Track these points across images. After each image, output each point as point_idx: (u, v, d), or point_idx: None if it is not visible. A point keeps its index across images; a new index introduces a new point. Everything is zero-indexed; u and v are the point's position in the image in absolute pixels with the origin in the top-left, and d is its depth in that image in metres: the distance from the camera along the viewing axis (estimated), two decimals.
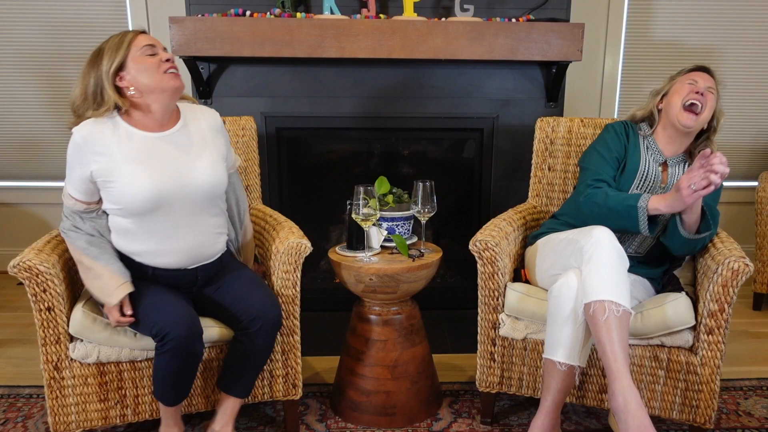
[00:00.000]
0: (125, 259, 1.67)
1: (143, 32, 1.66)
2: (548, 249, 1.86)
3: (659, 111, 1.92)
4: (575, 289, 1.62)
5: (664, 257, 1.91)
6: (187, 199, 1.66)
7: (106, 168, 1.59)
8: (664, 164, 1.90)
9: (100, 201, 1.67)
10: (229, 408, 1.77)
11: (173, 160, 1.65)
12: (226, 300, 1.74)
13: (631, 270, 1.82)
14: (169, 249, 1.67)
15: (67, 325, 1.67)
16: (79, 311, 1.67)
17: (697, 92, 1.80)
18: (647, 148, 1.91)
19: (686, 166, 1.88)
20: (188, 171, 1.66)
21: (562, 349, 1.65)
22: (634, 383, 1.52)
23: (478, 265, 1.86)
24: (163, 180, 1.61)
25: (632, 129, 1.96)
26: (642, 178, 1.87)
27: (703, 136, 1.90)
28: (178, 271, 1.71)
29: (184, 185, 1.64)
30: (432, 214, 1.94)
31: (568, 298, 1.63)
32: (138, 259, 1.67)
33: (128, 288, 1.61)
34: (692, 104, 1.80)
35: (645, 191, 1.84)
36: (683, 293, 1.75)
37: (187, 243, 1.68)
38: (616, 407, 1.49)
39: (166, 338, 1.56)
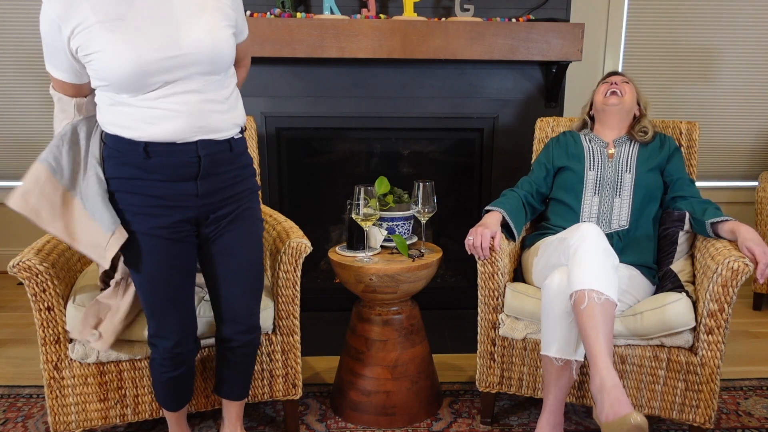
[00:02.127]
0: (113, 145, 1.41)
1: None
2: (542, 250, 1.89)
3: (591, 116, 2.19)
4: (563, 284, 1.64)
5: (650, 228, 1.98)
6: (182, 72, 1.36)
7: (84, 39, 1.31)
8: (610, 145, 2.10)
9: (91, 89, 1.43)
10: (233, 412, 1.74)
11: (161, 19, 1.34)
12: (220, 282, 1.58)
13: (623, 259, 1.87)
14: (165, 113, 1.37)
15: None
16: (72, 308, 1.67)
17: (614, 83, 2.09)
18: (589, 140, 2.12)
19: (632, 145, 2.08)
20: (181, 34, 1.35)
21: (556, 345, 1.66)
22: (615, 369, 1.52)
23: (478, 265, 1.86)
24: (147, 48, 1.31)
25: (572, 136, 2.17)
26: (590, 159, 2.07)
27: (637, 119, 2.13)
28: (176, 147, 1.40)
29: (176, 53, 1.34)
30: (432, 214, 1.94)
31: (557, 294, 1.65)
32: (127, 133, 1.38)
33: (122, 236, 1.42)
34: (612, 92, 2.08)
35: (596, 167, 2.06)
36: (683, 294, 1.75)
37: (187, 106, 1.39)
38: (594, 389, 1.49)
39: (158, 346, 1.55)
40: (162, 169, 1.40)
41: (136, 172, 1.41)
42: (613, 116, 2.08)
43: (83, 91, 1.44)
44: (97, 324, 1.64)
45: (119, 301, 1.67)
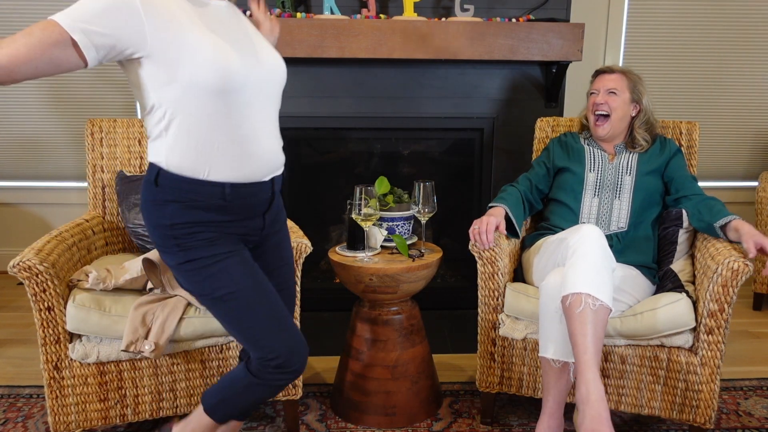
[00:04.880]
0: (186, 188, 1.26)
1: None
2: (542, 250, 1.89)
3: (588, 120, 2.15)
4: (559, 284, 1.63)
5: (649, 230, 1.98)
6: (262, 86, 1.30)
7: (169, 38, 1.17)
8: (610, 150, 2.10)
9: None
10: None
11: (243, 35, 1.32)
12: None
13: (623, 259, 1.87)
14: (250, 149, 1.29)
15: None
16: (72, 306, 1.67)
17: (596, 103, 2.04)
18: (589, 144, 2.12)
19: (630, 155, 2.05)
20: (259, 50, 1.34)
21: (553, 346, 1.65)
22: (608, 378, 1.52)
23: (478, 265, 1.86)
24: (239, 54, 1.25)
25: (572, 137, 2.17)
26: (590, 160, 2.06)
27: (633, 121, 2.08)
28: (255, 187, 1.33)
29: (259, 66, 1.30)
30: (432, 214, 1.94)
31: (553, 295, 1.64)
32: (211, 175, 1.26)
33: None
34: (600, 115, 2.05)
35: (597, 168, 2.05)
36: (683, 294, 1.75)
37: (265, 141, 1.33)
38: (579, 398, 1.49)
39: (286, 369, 1.36)
40: (239, 210, 1.33)
41: (213, 216, 1.30)
42: (603, 138, 2.07)
43: (48, 72, 1.12)
44: (147, 333, 1.66)
45: (168, 306, 1.69)
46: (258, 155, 1.31)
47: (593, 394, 1.47)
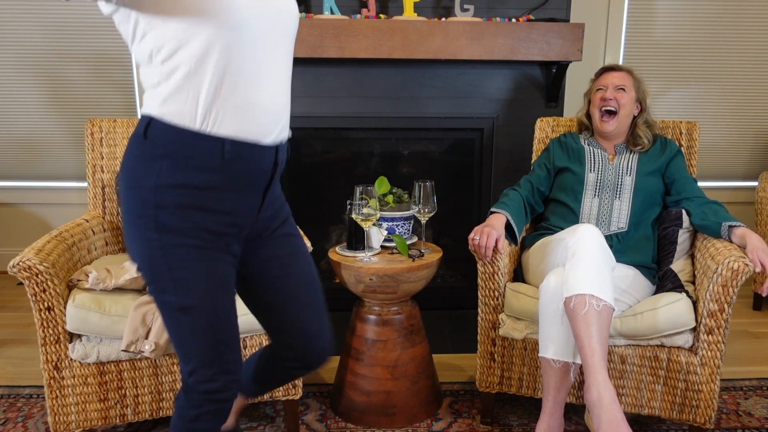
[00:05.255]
0: (180, 141, 1.09)
1: None
2: (541, 250, 1.88)
3: (589, 118, 2.13)
4: (560, 285, 1.63)
5: (649, 230, 1.98)
6: (272, 25, 1.15)
7: None
8: (610, 150, 2.10)
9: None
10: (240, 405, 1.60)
11: None
12: (276, 304, 1.31)
13: (623, 259, 1.87)
14: (254, 96, 1.12)
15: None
16: (72, 306, 1.67)
17: (605, 99, 2.02)
18: (589, 144, 2.11)
19: (631, 155, 2.05)
20: None
21: (553, 346, 1.65)
22: (611, 379, 1.53)
23: (478, 265, 1.86)
24: None
25: (572, 137, 2.16)
26: (591, 160, 2.06)
27: (635, 120, 2.08)
28: (257, 150, 1.15)
29: (276, 8, 1.16)
30: (432, 214, 1.94)
31: (554, 295, 1.64)
32: (210, 126, 1.09)
33: None
34: (607, 111, 2.03)
35: (597, 168, 2.05)
36: (683, 294, 1.75)
37: (271, 90, 1.16)
38: (591, 401, 1.49)
39: (218, 394, 1.21)
40: (237, 179, 1.14)
41: (209, 178, 1.11)
42: (609, 134, 2.07)
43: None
44: (147, 332, 1.66)
45: None
46: (262, 105, 1.14)
47: (605, 397, 1.47)
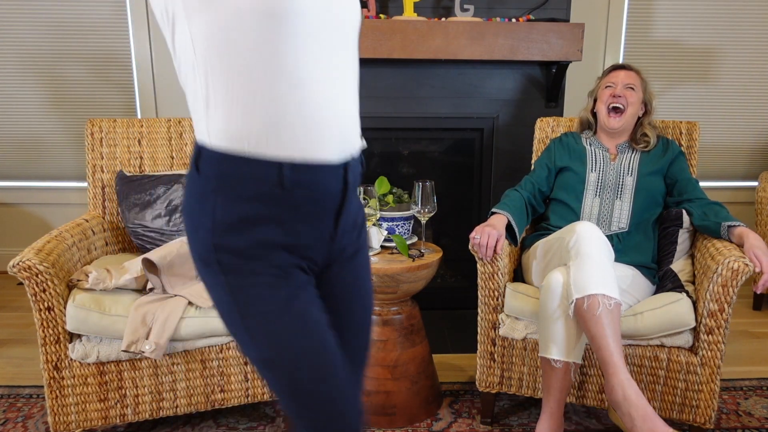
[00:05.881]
0: (229, 171, 0.91)
1: None
2: (540, 250, 1.89)
3: (594, 115, 2.13)
4: (562, 285, 1.63)
5: (649, 230, 1.98)
6: (335, 17, 0.94)
7: None
8: (612, 149, 2.10)
9: None
10: None
11: None
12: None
13: (623, 259, 1.87)
14: (315, 110, 0.92)
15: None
16: (72, 306, 1.67)
17: (615, 95, 2.02)
18: (590, 144, 2.11)
19: (633, 154, 2.05)
20: None
21: (554, 347, 1.66)
22: (631, 375, 1.54)
23: (478, 265, 1.86)
24: None
25: (573, 137, 2.15)
26: (592, 160, 2.06)
27: (639, 120, 2.09)
28: (323, 172, 0.95)
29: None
30: (432, 214, 1.94)
31: (555, 295, 1.65)
32: (262, 145, 0.90)
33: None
34: (614, 107, 2.03)
35: (598, 168, 2.05)
36: (684, 294, 1.75)
37: (336, 100, 0.95)
38: (616, 401, 1.50)
39: None
40: (301, 203, 0.95)
41: (268, 211, 0.93)
42: (615, 132, 2.07)
43: None
44: (148, 333, 1.65)
45: (168, 306, 1.68)
46: (325, 116, 0.94)
47: (632, 394, 1.48)
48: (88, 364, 1.70)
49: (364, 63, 2.57)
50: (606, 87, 2.05)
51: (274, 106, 0.89)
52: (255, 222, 0.93)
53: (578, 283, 1.59)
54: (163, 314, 1.67)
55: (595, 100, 2.12)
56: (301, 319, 0.96)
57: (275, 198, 0.92)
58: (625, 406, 1.48)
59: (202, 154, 0.93)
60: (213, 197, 0.92)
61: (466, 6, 2.49)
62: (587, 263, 1.60)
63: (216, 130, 0.91)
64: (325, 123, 0.93)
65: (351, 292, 1.11)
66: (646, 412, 1.46)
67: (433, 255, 1.95)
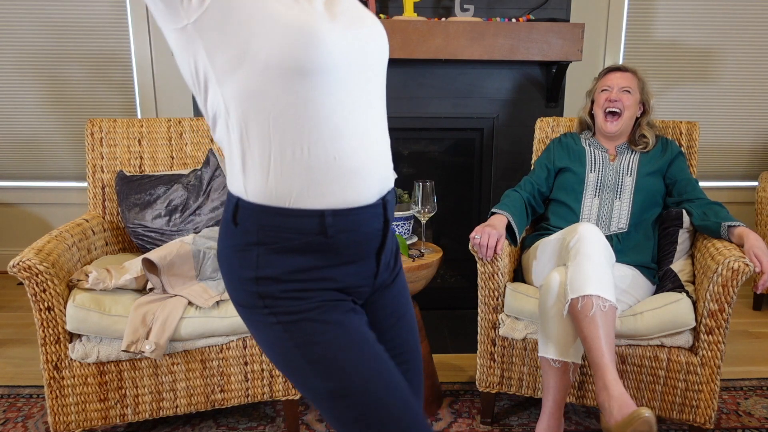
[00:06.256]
0: (271, 224, 0.92)
1: None
2: (540, 250, 1.89)
3: (592, 117, 2.13)
4: (561, 285, 1.63)
5: (649, 230, 1.98)
6: (364, 62, 0.94)
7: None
8: (611, 150, 2.09)
9: None
10: None
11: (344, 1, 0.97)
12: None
13: (623, 259, 1.87)
14: (351, 153, 0.93)
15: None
16: (72, 306, 1.67)
17: (611, 100, 2.01)
18: (590, 144, 2.11)
19: (632, 155, 2.05)
20: (364, 20, 0.97)
21: (553, 346, 1.66)
22: (620, 378, 1.53)
23: (478, 265, 1.86)
24: (329, 14, 0.91)
25: (572, 137, 2.15)
26: (591, 161, 2.06)
27: (638, 121, 2.08)
28: (363, 213, 0.96)
29: (364, 39, 0.95)
30: (432, 214, 1.94)
31: (554, 295, 1.65)
32: (302, 200, 0.91)
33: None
34: (611, 112, 2.02)
35: (597, 169, 2.05)
36: (684, 294, 1.75)
37: (372, 142, 0.96)
38: (601, 400, 1.50)
39: None
40: (344, 248, 0.96)
41: (313, 259, 0.94)
42: (612, 134, 2.06)
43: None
44: (148, 333, 1.65)
45: (168, 306, 1.68)
46: (363, 163, 0.94)
47: (615, 392, 1.49)
48: (88, 364, 1.70)
49: None
50: (602, 90, 2.05)
51: (311, 161, 0.90)
52: (300, 270, 0.93)
53: (574, 283, 1.59)
54: (163, 314, 1.67)
55: (592, 102, 2.12)
56: (363, 343, 0.96)
57: (319, 246, 0.93)
58: (608, 402, 1.48)
59: (239, 208, 0.93)
60: (255, 249, 0.93)
61: (466, 6, 2.49)
62: (585, 264, 1.60)
63: (254, 188, 0.92)
64: (362, 170, 0.94)
65: (395, 317, 1.11)
66: (624, 400, 1.46)
67: (433, 255, 1.95)
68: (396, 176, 1.08)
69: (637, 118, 2.07)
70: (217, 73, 0.87)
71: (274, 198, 0.91)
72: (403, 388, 0.99)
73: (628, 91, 2.01)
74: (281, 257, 0.92)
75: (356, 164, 0.93)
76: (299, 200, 0.91)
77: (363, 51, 0.94)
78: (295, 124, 0.88)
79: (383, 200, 0.99)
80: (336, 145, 0.91)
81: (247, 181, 0.92)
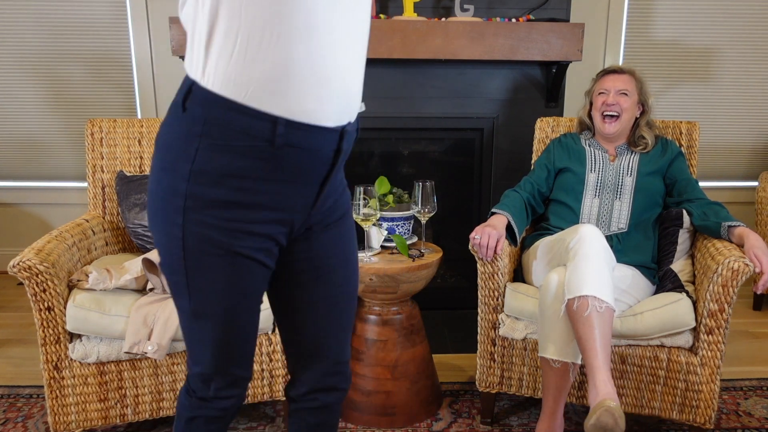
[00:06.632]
0: (222, 118, 0.88)
1: None
2: (540, 250, 1.89)
3: (591, 117, 2.12)
4: (560, 285, 1.63)
5: (650, 230, 1.97)
6: None
7: None
8: (611, 151, 2.09)
9: None
10: None
11: None
12: (308, 312, 1.12)
13: (623, 259, 1.87)
14: (321, 66, 0.88)
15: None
16: (72, 306, 1.67)
17: (608, 104, 2.01)
18: (589, 145, 2.10)
19: (632, 156, 2.04)
20: None
21: (553, 347, 1.65)
22: (613, 379, 1.53)
23: (478, 265, 1.86)
24: None
25: (572, 137, 2.15)
26: (591, 161, 2.05)
27: (637, 121, 2.07)
28: (317, 134, 0.93)
29: None
30: (432, 214, 1.94)
31: (554, 295, 1.65)
32: (262, 99, 0.87)
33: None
34: (608, 115, 2.02)
35: (597, 169, 2.04)
36: (684, 294, 1.75)
37: (345, 60, 0.93)
38: (591, 400, 1.50)
39: (217, 402, 1.10)
40: (288, 165, 0.93)
41: (254, 166, 0.91)
42: (611, 136, 2.05)
43: None
44: (150, 333, 1.66)
45: (168, 306, 1.68)
46: (331, 73, 0.90)
47: (603, 392, 1.48)
48: (88, 364, 1.70)
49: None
50: (599, 93, 2.05)
51: (280, 55, 0.85)
52: (237, 176, 0.90)
53: (571, 284, 1.59)
54: (164, 315, 1.67)
55: (591, 103, 2.12)
56: (247, 291, 1.00)
57: (264, 154, 0.89)
58: (595, 403, 1.47)
59: (192, 93, 0.89)
60: (197, 141, 0.89)
61: (466, 6, 2.49)
62: (584, 265, 1.60)
63: (213, 71, 0.86)
64: (329, 79, 0.90)
65: (332, 258, 1.10)
66: (608, 392, 1.45)
67: (433, 255, 1.95)
68: (363, 108, 1.05)
69: (636, 119, 2.07)
70: None
71: (231, 87, 0.86)
72: (251, 336, 1.07)
73: (626, 94, 2.01)
74: (222, 156, 0.88)
75: (324, 73, 0.89)
76: (255, 97, 0.86)
77: None
78: (273, 12, 0.83)
79: (342, 129, 0.96)
80: (308, 42, 0.85)
81: (207, 62, 0.86)
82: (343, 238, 1.12)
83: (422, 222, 1.96)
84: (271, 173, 0.91)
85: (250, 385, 1.77)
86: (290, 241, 1.05)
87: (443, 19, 2.47)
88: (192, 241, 0.93)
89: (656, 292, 1.87)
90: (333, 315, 1.13)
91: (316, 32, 0.86)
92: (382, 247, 1.99)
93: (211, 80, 0.87)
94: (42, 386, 2.15)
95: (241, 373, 1.10)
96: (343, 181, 1.12)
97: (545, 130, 2.31)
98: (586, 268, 1.59)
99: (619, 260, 1.85)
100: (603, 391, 1.47)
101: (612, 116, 2.02)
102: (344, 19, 0.90)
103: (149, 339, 1.65)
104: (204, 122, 0.88)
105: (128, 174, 2.16)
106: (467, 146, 2.81)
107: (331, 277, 1.11)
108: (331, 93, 0.91)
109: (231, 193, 0.91)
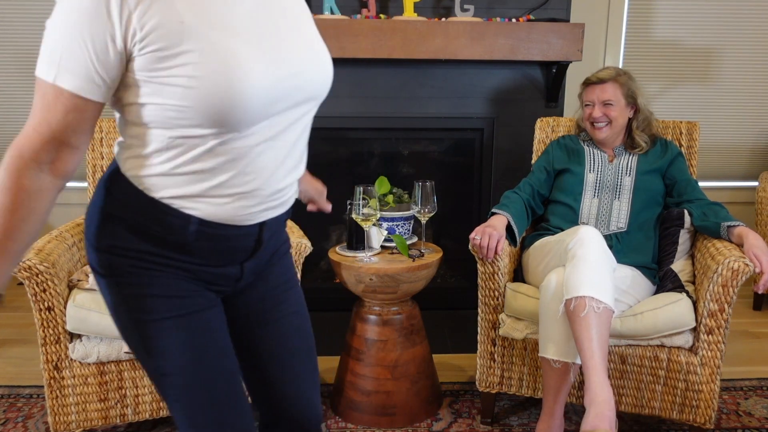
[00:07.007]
0: (137, 206, 0.90)
1: None
2: (540, 250, 1.89)
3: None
4: (559, 285, 1.63)
5: (650, 230, 1.97)
6: (297, 98, 0.92)
7: (163, 29, 0.78)
8: (610, 152, 2.09)
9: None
10: None
11: (283, 30, 0.91)
12: (269, 361, 1.09)
13: (623, 260, 1.86)
14: (243, 182, 0.90)
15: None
16: (72, 306, 1.67)
17: (594, 117, 2.01)
18: (588, 145, 2.11)
19: (630, 156, 2.04)
20: (305, 51, 0.93)
21: (553, 346, 1.66)
22: (610, 379, 1.54)
23: (478, 265, 1.86)
24: (279, 66, 0.87)
25: (571, 138, 2.16)
26: (590, 161, 2.06)
27: (631, 122, 2.05)
28: (233, 231, 0.93)
29: (303, 75, 0.91)
30: (432, 214, 1.94)
31: (554, 295, 1.65)
32: (177, 200, 0.88)
33: None
34: (596, 127, 2.02)
35: (596, 169, 2.04)
36: (684, 294, 1.75)
37: (278, 177, 0.94)
38: (586, 401, 1.50)
39: None
40: (205, 254, 0.94)
41: (166, 249, 0.92)
42: (604, 141, 2.05)
43: (93, 117, 0.91)
44: None
45: None
46: (255, 194, 0.92)
47: (599, 396, 1.48)
48: (89, 364, 1.70)
49: (364, 63, 2.58)
50: (585, 105, 2.05)
51: (207, 190, 0.88)
52: (156, 255, 0.91)
53: (570, 284, 1.59)
54: None
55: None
56: (204, 334, 0.96)
57: (177, 244, 0.91)
58: (591, 406, 1.47)
59: (116, 175, 0.91)
60: (115, 222, 0.91)
61: (466, 6, 2.49)
62: (583, 265, 1.60)
63: (135, 169, 0.89)
64: (251, 198, 0.91)
65: (280, 290, 1.09)
66: (602, 411, 1.44)
67: (433, 255, 1.95)
68: (296, 197, 1.04)
69: (630, 119, 2.05)
70: (142, 73, 0.82)
71: (150, 188, 0.88)
72: (231, 378, 0.98)
73: (610, 104, 1.98)
74: (138, 238, 0.90)
75: (247, 192, 0.90)
76: (169, 198, 0.88)
77: (301, 90, 0.92)
78: (207, 160, 0.86)
79: (261, 224, 0.95)
80: (236, 178, 0.88)
81: (135, 160, 0.89)
82: (282, 274, 1.10)
83: (422, 222, 1.96)
84: (186, 257, 0.92)
85: None
86: (233, 294, 1.04)
87: (443, 19, 2.47)
88: (133, 308, 0.93)
89: (656, 292, 1.87)
90: (300, 364, 1.11)
91: (249, 181, 0.89)
92: (382, 247, 1.99)
93: (131, 172, 0.89)
94: (42, 386, 2.14)
95: (241, 423, 1.01)
96: (283, 234, 1.10)
97: (545, 130, 2.31)
98: (585, 269, 1.59)
99: (619, 260, 1.85)
100: (599, 397, 1.47)
101: (599, 125, 2.02)
102: (280, 149, 0.92)
103: None
104: (122, 207, 0.91)
105: None
106: (467, 146, 2.81)
107: (285, 320, 1.10)
108: (252, 208, 0.92)
109: (153, 266, 0.91)
